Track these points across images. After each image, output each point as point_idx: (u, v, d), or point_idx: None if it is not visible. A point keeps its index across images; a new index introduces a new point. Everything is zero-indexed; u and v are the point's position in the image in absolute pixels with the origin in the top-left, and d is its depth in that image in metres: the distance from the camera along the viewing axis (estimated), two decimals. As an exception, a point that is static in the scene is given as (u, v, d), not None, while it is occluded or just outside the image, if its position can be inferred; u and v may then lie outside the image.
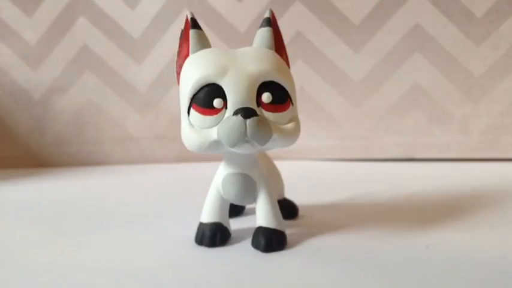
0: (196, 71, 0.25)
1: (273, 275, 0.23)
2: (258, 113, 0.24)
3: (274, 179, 0.32)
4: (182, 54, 0.28)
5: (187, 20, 0.27)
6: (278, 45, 0.27)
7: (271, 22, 0.27)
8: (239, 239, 0.29)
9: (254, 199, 0.28)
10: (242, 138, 0.23)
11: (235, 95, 0.24)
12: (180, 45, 0.28)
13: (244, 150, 0.25)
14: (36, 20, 0.62)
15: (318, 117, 0.61)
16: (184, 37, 0.27)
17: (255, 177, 0.28)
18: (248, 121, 0.23)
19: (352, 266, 0.24)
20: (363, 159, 0.60)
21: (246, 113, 0.24)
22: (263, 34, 0.27)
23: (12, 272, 0.25)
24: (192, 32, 0.27)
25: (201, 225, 0.29)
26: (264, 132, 0.24)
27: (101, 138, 0.64)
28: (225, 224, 0.29)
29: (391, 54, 0.58)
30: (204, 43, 0.27)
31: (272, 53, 0.27)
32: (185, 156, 0.61)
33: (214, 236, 0.28)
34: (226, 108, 0.24)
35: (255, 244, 0.27)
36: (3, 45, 0.62)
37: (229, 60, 0.25)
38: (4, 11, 0.62)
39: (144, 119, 0.63)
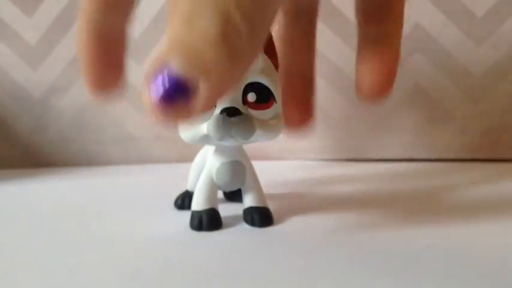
0: None
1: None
2: (243, 111, 0.28)
3: None
4: None
5: None
6: (270, 49, 0.31)
7: None
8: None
9: (242, 183, 0.32)
10: (227, 133, 0.27)
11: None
12: None
13: (230, 143, 0.29)
14: (36, 20, 0.62)
15: (317, 117, 0.60)
16: None
17: (244, 163, 0.32)
18: (231, 119, 0.27)
19: (351, 265, 0.24)
20: (363, 159, 0.60)
21: (229, 112, 0.27)
22: None
23: (12, 272, 0.25)
24: None
25: (197, 213, 0.31)
26: (246, 128, 0.27)
27: (101, 138, 0.64)
28: (217, 209, 0.31)
29: (391, 54, 0.58)
30: None
31: (260, 56, 0.30)
32: (185, 156, 0.61)
33: (212, 220, 0.30)
34: (215, 106, 0.28)
35: (251, 221, 0.31)
36: (3, 45, 0.62)
37: None
38: (4, 11, 0.62)
39: (144, 119, 0.63)
